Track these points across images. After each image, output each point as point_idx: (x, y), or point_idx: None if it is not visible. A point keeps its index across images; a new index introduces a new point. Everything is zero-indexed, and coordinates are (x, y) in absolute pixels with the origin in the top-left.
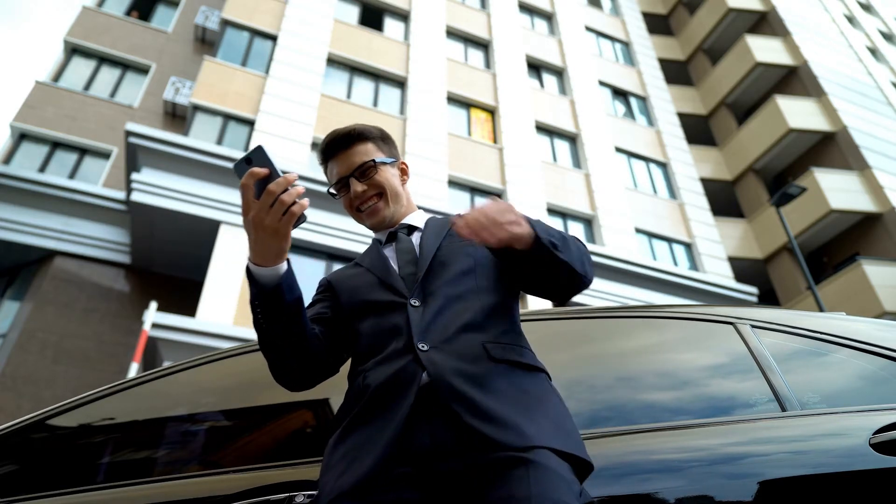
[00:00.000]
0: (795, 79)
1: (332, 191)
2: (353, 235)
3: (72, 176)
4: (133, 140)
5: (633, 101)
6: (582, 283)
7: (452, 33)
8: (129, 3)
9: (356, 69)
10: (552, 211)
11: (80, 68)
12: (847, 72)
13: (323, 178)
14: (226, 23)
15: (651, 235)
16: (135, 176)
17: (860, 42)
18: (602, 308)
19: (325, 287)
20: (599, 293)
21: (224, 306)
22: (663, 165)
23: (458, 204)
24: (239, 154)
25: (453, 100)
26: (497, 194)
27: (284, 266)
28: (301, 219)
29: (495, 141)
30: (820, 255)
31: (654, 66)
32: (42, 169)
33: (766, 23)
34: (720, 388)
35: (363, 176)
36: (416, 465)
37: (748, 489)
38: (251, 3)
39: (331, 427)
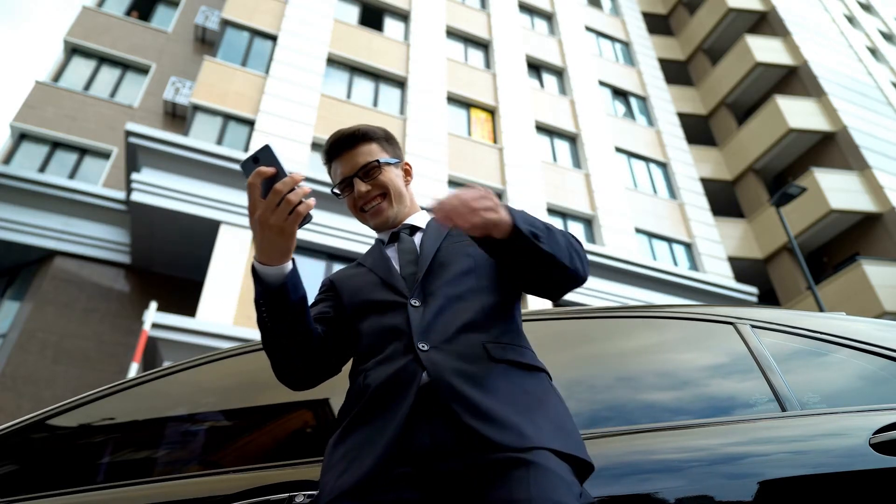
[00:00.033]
0: (795, 79)
1: (335, 190)
2: (353, 235)
3: (72, 176)
4: (133, 140)
5: (633, 101)
6: (573, 279)
7: (452, 33)
8: (129, 3)
9: (356, 69)
10: (552, 211)
11: (80, 68)
12: (847, 72)
13: (323, 177)
14: (226, 23)
15: (651, 235)
16: (135, 176)
17: (860, 42)
18: (602, 308)
19: (328, 287)
20: (599, 293)
21: (224, 306)
22: (663, 165)
23: None
24: (239, 154)
25: (453, 100)
26: (497, 194)
27: (290, 265)
28: (307, 218)
29: (495, 141)
30: (820, 255)
31: (654, 66)
32: (42, 169)
33: (766, 23)
34: (720, 388)
35: (367, 176)
36: (416, 465)
37: (748, 489)
38: (251, 3)
39: (332, 427)
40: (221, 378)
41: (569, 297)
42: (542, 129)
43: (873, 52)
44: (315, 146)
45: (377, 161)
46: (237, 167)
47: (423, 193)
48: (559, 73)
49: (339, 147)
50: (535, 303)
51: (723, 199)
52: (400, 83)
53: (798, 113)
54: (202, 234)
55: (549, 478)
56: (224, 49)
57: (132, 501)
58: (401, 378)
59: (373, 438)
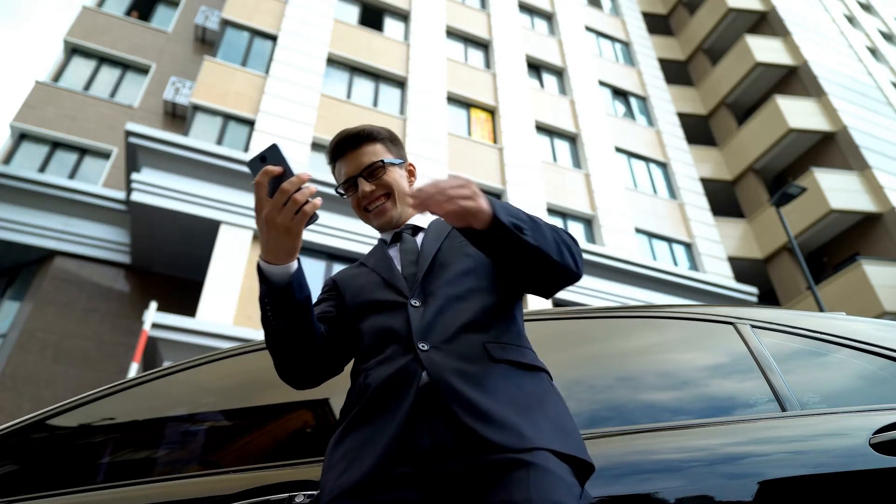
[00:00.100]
0: (795, 79)
1: (339, 190)
2: (353, 235)
3: (72, 176)
4: (133, 140)
5: (633, 101)
6: (564, 274)
7: (452, 33)
8: (129, 3)
9: (356, 69)
10: (552, 211)
11: (80, 68)
12: (847, 72)
13: (323, 177)
14: (226, 23)
15: (651, 235)
16: (135, 176)
17: (860, 42)
18: (602, 308)
19: (331, 286)
20: (599, 293)
21: (224, 306)
22: (663, 165)
23: None
24: (239, 154)
25: (453, 100)
26: (497, 194)
27: (295, 264)
28: (313, 218)
29: (495, 141)
30: (820, 255)
31: (654, 66)
32: (42, 169)
33: (766, 23)
34: (720, 388)
35: (371, 176)
36: (416, 465)
37: (748, 489)
38: (251, 3)
39: (332, 427)
40: (221, 378)
41: (569, 297)
42: (542, 129)
43: (873, 52)
44: (315, 146)
45: (381, 161)
46: (237, 167)
47: None
48: (559, 73)
49: (344, 147)
50: (535, 303)
51: (723, 199)
52: (400, 83)
53: (798, 113)
54: (202, 234)
55: (549, 479)
56: (224, 49)
57: (132, 501)
58: (401, 378)
59: (373, 438)
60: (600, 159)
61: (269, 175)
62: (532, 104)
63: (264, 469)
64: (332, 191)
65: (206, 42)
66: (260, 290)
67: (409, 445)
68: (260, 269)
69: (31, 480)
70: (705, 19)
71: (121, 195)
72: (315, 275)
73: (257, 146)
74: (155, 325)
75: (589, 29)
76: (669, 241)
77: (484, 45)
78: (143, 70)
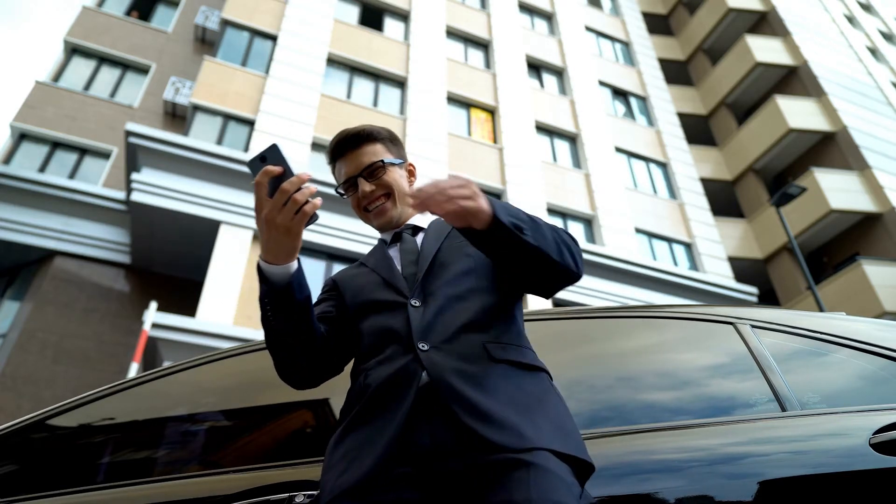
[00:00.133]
0: (795, 79)
1: (339, 190)
2: (352, 235)
3: (72, 176)
4: (133, 140)
5: (633, 101)
6: (564, 274)
7: (452, 33)
8: (129, 3)
9: (356, 69)
10: (552, 211)
11: (80, 68)
12: (847, 72)
13: (323, 178)
14: (226, 23)
15: (651, 235)
16: (135, 176)
17: (860, 42)
18: (602, 308)
19: (331, 286)
20: (599, 293)
21: (224, 306)
22: (663, 165)
23: None
24: (239, 154)
25: (453, 100)
26: (497, 194)
27: (295, 264)
28: (313, 218)
29: (495, 141)
30: (820, 255)
31: (654, 66)
32: (42, 169)
33: (766, 23)
34: (720, 388)
35: (371, 176)
36: (416, 465)
37: (748, 489)
38: (251, 3)
39: (332, 427)
40: (221, 378)
41: (569, 297)
42: (542, 129)
43: (873, 52)
44: (315, 146)
45: (382, 161)
46: (237, 167)
47: None
48: (559, 73)
49: (344, 147)
50: (535, 303)
51: (723, 199)
52: (400, 83)
53: (798, 113)
54: (202, 234)
55: (549, 479)
56: (224, 49)
57: (132, 501)
58: (401, 378)
59: (373, 438)
60: (600, 159)
61: (269, 175)
62: (532, 104)
63: (264, 469)
64: (331, 191)
65: (206, 42)
66: (260, 290)
67: (409, 445)
68: (260, 269)
69: (31, 480)
70: (705, 19)
71: (121, 195)
72: (315, 275)
73: (257, 146)
74: (155, 325)
75: (589, 29)
76: (669, 241)
77: (484, 45)
78: (143, 70)
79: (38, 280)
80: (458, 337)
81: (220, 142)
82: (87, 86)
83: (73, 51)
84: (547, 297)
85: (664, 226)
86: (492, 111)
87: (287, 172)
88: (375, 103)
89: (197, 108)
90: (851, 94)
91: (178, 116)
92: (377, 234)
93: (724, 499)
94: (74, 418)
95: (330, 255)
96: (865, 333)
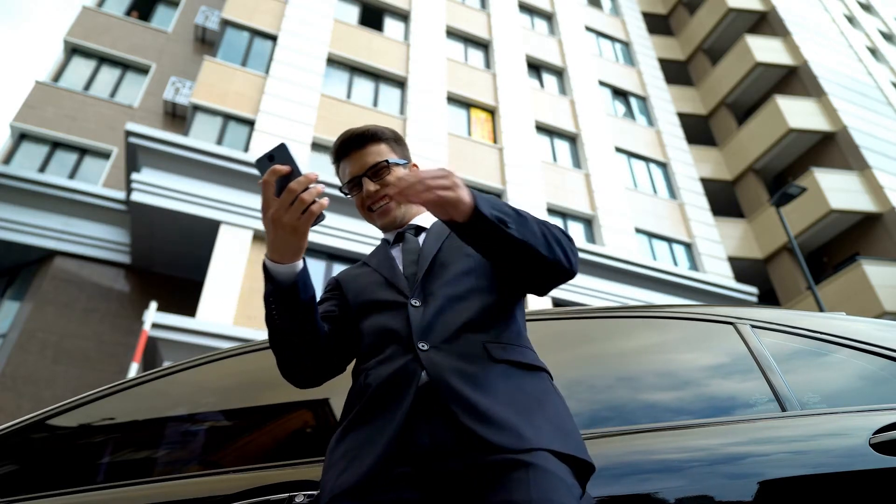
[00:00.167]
0: (795, 79)
1: (344, 190)
2: (353, 235)
3: (72, 176)
4: (133, 140)
5: (633, 101)
6: (554, 269)
7: (452, 33)
8: (129, 3)
9: (356, 69)
10: (552, 211)
11: (80, 68)
12: (847, 72)
13: (324, 177)
14: (226, 23)
15: (651, 235)
16: (135, 176)
17: (860, 42)
18: (602, 308)
19: (334, 286)
20: (599, 293)
21: (224, 306)
22: (663, 165)
23: None
24: (239, 154)
25: (453, 100)
26: (497, 194)
27: (301, 264)
28: (319, 218)
29: (495, 141)
30: (820, 255)
31: (654, 66)
32: (42, 169)
33: (766, 23)
34: (720, 388)
35: (376, 176)
36: (415, 464)
37: (748, 489)
38: (251, 3)
39: (332, 427)
40: (221, 378)
41: (569, 297)
42: (542, 129)
43: (873, 52)
44: (315, 146)
45: (386, 161)
46: (237, 167)
47: None
48: (559, 73)
49: (349, 146)
50: (535, 303)
51: (723, 199)
52: (400, 83)
53: (798, 113)
54: (202, 234)
55: (549, 480)
56: (224, 49)
57: (132, 501)
58: (400, 378)
59: (373, 438)
60: (600, 159)
61: (277, 174)
62: (532, 104)
63: (264, 469)
64: (333, 191)
65: (206, 42)
66: (265, 288)
67: (408, 445)
68: (266, 268)
69: (31, 480)
70: (705, 19)
71: (121, 195)
72: (315, 275)
73: (257, 146)
74: (155, 325)
75: (589, 29)
76: (669, 241)
77: (484, 45)
78: (143, 70)
79: (38, 280)
80: (458, 337)
81: (220, 142)
82: (87, 86)
83: (73, 51)
84: (541, 295)
85: (664, 226)
86: (492, 111)
87: (295, 172)
88: (375, 103)
89: (197, 108)
90: (851, 94)
91: (178, 116)
92: (377, 235)
93: (725, 499)
94: (74, 418)
95: (330, 255)
96: (865, 333)
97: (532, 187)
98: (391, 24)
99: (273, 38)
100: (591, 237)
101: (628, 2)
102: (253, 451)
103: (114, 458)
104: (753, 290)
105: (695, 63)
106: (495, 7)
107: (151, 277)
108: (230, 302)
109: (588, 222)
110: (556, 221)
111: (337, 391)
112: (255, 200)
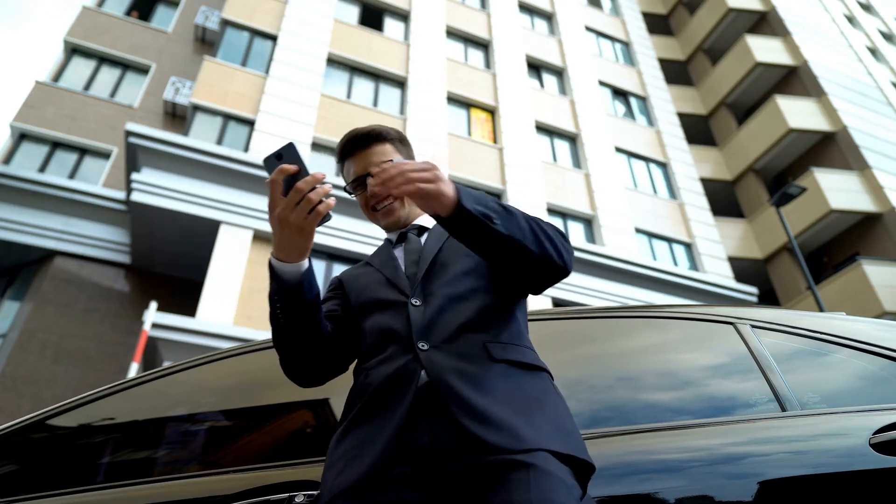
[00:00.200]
0: (795, 79)
1: (348, 189)
2: (353, 235)
3: (72, 176)
4: (133, 140)
5: (633, 101)
6: (545, 265)
7: (452, 33)
8: (129, 3)
9: (356, 69)
10: (552, 211)
11: (80, 68)
12: (847, 72)
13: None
14: (226, 23)
15: (651, 235)
16: (135, 176)
17: (860, 42)
18: (602, 308)
19: (336, 285)
20: (599, 293)
21: (224, 306)
22: (663, 165)
23: None
24: (239, 154)
25: (453, 100)
26: (497, 194)
27: (306, 263)
28: (326, 218)
29: (495, 141)
30: (820, 255)
31: (654, 66)
32: (42, 169)
33: (766, 23)
34: (720, 388)
35: None
36: (415, 464)
37: (748, 489)
38: (251, 3)
39: (332, 427)
40: (221, 378)
41: (569, 297)
42: (542, 129)
43: (873, 52)
44: (315, 146)
45: (391, 161)
46: (237, 167)
47: None
48: (559, 73)
49: (353, 146)
50: (535, 303)
51: (723, 199)
52: (400, 83)
53: (798, 113)
54: (202, 234)
55: (549, 480)
56: (224, 49)
57: (132, 501)
58: (400, 377)
59: (372, 437)
60: (600, 159)
61: (285, 173)
62: (532, 104)
63: (264, 469)
64: (338, 192)
65: (206, 42)
66: (270, 287)
67: (408, 445)
68: (272, 267)
69: (31, 480)
70: (705, 19)
71: (121, 195)
72: (316, 274)
73: (257, 146)
74: (155, 325)
75: (589, 29)
76: (669, 241)
77: (484, 45)
78: (143, 70)
79: (38, 280)
80: (458, 336)
81: (220, 142)
82: (87, 86)
83: (73, 51)
84: (536, 294)
85: (664, 226)
86: (492, 111)
87: (302, 171)
88: (375, 103)
89: (197, 108)
90: (851, 94)
91: (178, 116)
92: (377, 235)
93: (725, 499)
94: (74, 418)
95: (331, 255)
96: (865, 333)
97: (532, 187)
98: (391, 24)
99: (273, 38)
100: (591, 237)
101: (628, 2)
102: (253, 451)
103: (114, 458)
104: (753, 290)
105: (695, 63)
106: (495, 7)
107: (151, 277)
108: (230, 302)
109: (588, 222)
110: (556, 221)
111: (337, 391)
112: (256, 200)
